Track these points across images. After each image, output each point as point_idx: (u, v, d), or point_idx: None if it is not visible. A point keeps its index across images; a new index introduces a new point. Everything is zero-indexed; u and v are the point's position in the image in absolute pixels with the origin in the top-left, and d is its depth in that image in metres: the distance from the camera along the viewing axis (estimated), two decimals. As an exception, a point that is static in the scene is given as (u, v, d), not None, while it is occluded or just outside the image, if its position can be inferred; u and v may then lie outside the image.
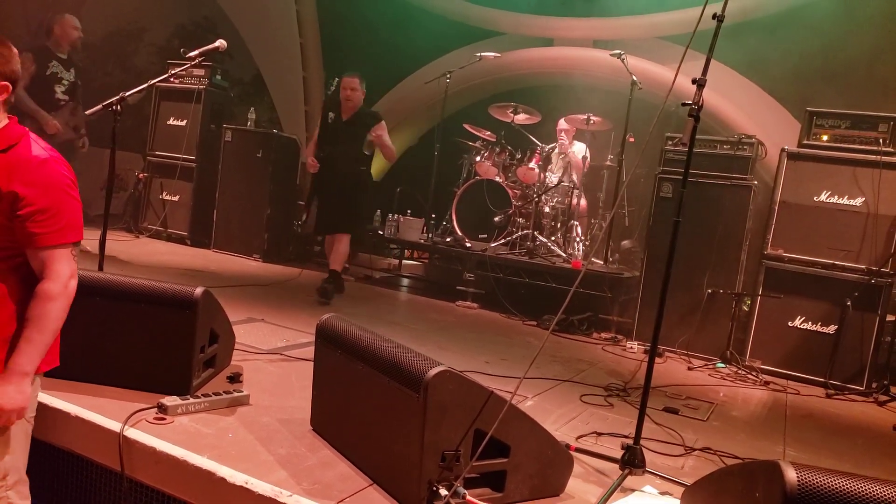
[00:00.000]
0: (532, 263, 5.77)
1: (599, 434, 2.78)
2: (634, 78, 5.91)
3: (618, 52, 6.01)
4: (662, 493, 2.24)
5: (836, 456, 3.07)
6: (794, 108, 6.11)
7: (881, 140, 4.38)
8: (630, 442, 2.32)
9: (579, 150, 6.60)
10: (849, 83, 5.75)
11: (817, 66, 5.93)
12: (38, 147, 1.82)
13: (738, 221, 4.78)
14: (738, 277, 4.75)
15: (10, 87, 1.83)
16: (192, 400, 2.36)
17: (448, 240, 6.44)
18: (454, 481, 1.84)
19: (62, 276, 1.78)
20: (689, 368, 4.48)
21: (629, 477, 2.26)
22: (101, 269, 3.34)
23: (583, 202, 6.46)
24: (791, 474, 1.48)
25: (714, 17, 2.45)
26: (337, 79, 5.62)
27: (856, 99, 5.25)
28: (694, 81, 2.41)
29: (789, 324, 4.52)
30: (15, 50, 1.87)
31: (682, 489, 2.21)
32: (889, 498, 1.41)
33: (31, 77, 5.21)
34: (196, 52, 3.86)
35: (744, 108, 6.66)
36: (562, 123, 6.61)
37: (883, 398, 4.22)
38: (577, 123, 6.52)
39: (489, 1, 8.42)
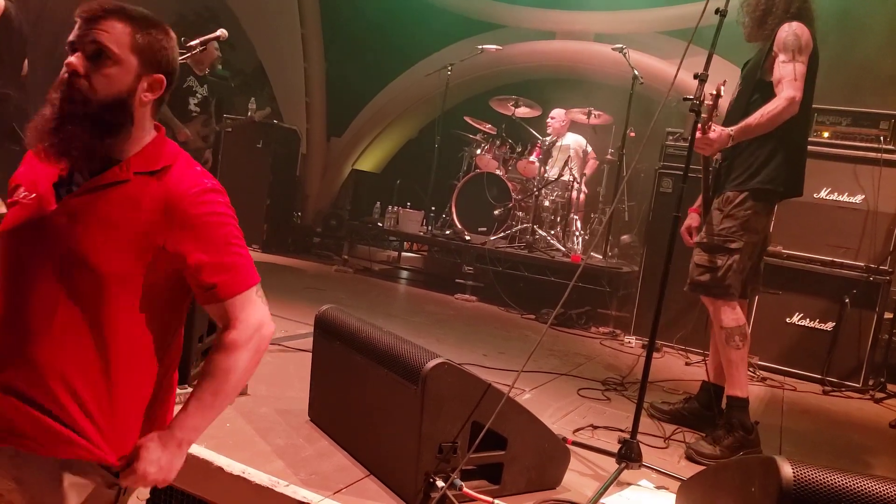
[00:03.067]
0: (531, 257, 5.77)
1: (596, 428, 2.79)
2: (636, 72, 5.89)
3: (619, 46, 6.00)
4: (658, 488, 2.25)
5: (833, 452, 3.08)
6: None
7: (882, 137, 4.37)
8: (627, 436, 2.33)
9: (574, 141, 6.61)
10: (850, 80, 5.73)
11: (819, 62, 5.92)
12: (194, 171, 1.42)
13: (738, 217, 4.78)
14: (736, 273, 4.75)
15: (165, 83, 1.39)
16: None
17: (447, 232, 6.44)
18: (451, 473, 1.84)
19: (250, 323, 1.40)
20: (687, 364, 4.49)
21: (625, 471, 2.27)
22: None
23: (581, 195, 6.47)
24: (787, 470, 1.48)
25: (717, 12, 2.45)
26: None
27: (857, 96, 5.24)
28: (696, 76, 2.42)
29: (787, 320, 4.52)
30: (173, 36, 1.44)
31: (678, 483, 2.21)
32: (885, 494, 1.42)
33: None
34: (197, 42, 3.85)
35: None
36: (552, 114, 6.64)
37: (879, 395, 4.23)
38: (577, 117, 6.53)
39: (491, -7, 8.41)
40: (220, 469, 1.90)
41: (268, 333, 1.44)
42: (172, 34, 1.42)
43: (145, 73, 1.36)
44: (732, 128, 2.61)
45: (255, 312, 1.42)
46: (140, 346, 1.38)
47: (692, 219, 3.04)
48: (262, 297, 1.46)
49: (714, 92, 2.44)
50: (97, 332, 1.32)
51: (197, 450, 1.96)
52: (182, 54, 4.43)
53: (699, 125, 2.49)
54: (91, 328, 1.32)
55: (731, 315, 2.73)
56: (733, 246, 2.71)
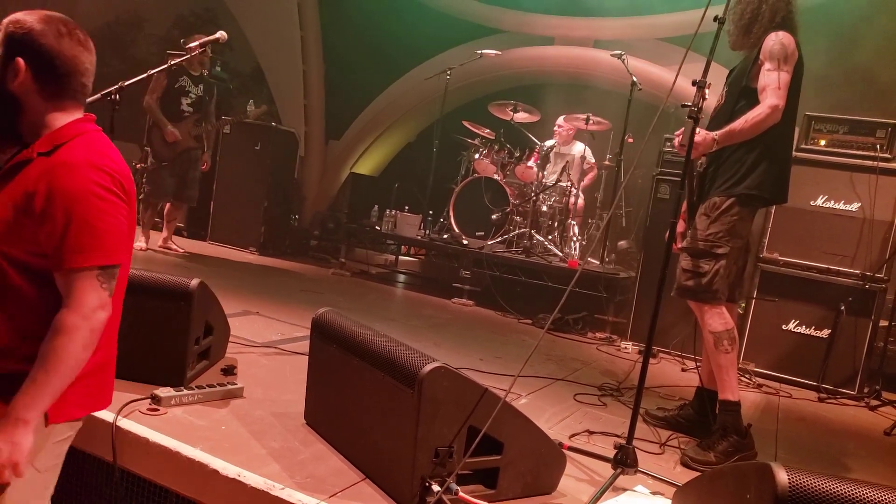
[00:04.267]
0: (528, 262, 5.77)
1: (592, 433, 2.79)
2: (634, 79, 5.91)
3: (618, 52, 6.02)
4: (654, 493, 2.25)
5: (828, 459, 3.09)
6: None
7: (878, 146, 4.39)
8: (623, 441, 2.33)
9: (579, 151, 6.62)
10: (848, 89, 5.76)
11: (816, 70, 5.95)
12: (85, 149, 1.51)
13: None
14: (733, 280, 4.76)
15: (24, 66, 1.51)
16: (185, 391, 2.36)
17: (445, 237, 6.44)
18: (447, 477, 1.84)
19: (85, 305, 1.44)
20: (683, 370, 4.50)
21: (621, 476, 2.26)
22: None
23: (580, 201, 6.48)
24: (782, 476, 1.48)
25: (715, 19, 2.47)
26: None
27: (854, 104, 5.26)
28: (694, 83, 2.43)
29: (783, 327, 4.53)
30: (60, 26, 1.53)
31: (673, 489, 2.21)
32: (879, 501, 1.42)
33: (163, 90, 5.70)
34: (196, 43, 3.86)
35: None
36: (560, 121, 6.65)
37: (874, 403, 4.23)
38: (576, 123, 6.54)
39: (491, -2, 8.43)
40: (216, 472, 1.89)
41: (103, 317, 1.49)
42: (61, 25, 1.53)
43: (7, 61, 1.50)
44: (717, 132, 2.65)
45: (93, 294, 1.46)
46: (37, 311, 1.49)
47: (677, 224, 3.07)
48: (105, 282, 1.49)
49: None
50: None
51: (192, 452, 1.95)
52: (179, 55, 4.45)
53: (691, 129, 2.50)
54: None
55: (719, 319, 2.75)
56: (720, 251, 2.74)
